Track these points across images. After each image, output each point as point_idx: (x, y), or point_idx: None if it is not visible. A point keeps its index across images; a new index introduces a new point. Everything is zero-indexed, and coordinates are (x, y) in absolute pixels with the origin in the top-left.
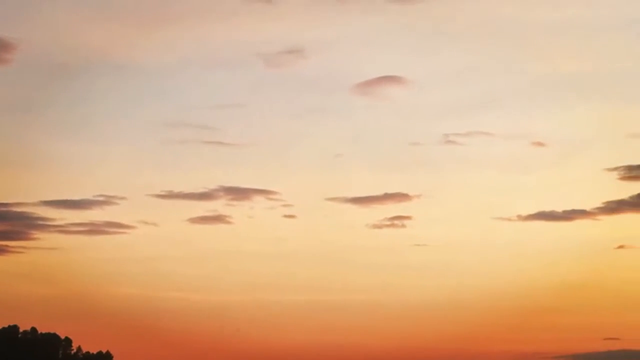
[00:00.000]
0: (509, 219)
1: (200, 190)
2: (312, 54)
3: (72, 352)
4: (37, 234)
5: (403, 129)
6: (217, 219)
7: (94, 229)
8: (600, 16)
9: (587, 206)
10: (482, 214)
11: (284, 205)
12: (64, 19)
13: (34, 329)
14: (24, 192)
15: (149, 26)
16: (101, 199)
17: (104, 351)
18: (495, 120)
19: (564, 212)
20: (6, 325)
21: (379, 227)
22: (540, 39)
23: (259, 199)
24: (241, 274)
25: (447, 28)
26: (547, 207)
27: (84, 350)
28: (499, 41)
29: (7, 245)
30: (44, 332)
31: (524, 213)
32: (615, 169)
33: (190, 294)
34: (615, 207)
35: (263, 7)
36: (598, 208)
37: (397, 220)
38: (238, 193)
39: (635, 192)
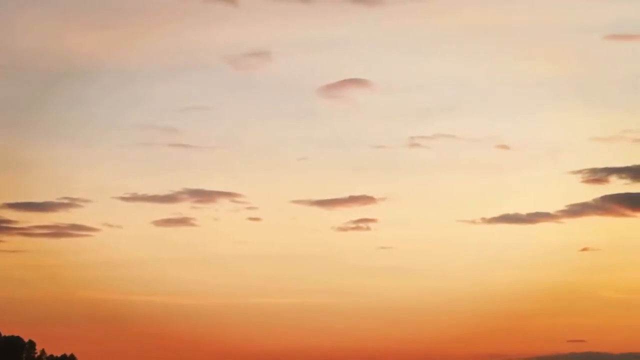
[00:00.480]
0: (474, 222)
1: (165, 192)
2: (279, 57)
3: (36, 355)
4: (0, 236)
5: (369, 132)
6: (182, 221)
7: (58, 231)
8: (566, 23)
9: (551, 209)
10: (447, 217)
11: (249, 208)
12: (28, 25)
13: None
14: None
15: (114, 31)
16: (65, 201)
17: (68, 354)
18: (461, 124)
19: (528, 215)
20: None
21: (344, 229)
22: (505, 45)
23: (223, 202)
24: (207, 276)
25: (414, 33)
26: (511, 210)
27: (48, 353)
28: (464, 46)
29: None
30: (7, 335)
31: (489, 216)
32: (579, 172)
33: (156, 297)
34: (578, 210)
35: (229, 11)
36: (562, 211)
37: (362, 222)
38: (203, 196)
39: (599, 195)
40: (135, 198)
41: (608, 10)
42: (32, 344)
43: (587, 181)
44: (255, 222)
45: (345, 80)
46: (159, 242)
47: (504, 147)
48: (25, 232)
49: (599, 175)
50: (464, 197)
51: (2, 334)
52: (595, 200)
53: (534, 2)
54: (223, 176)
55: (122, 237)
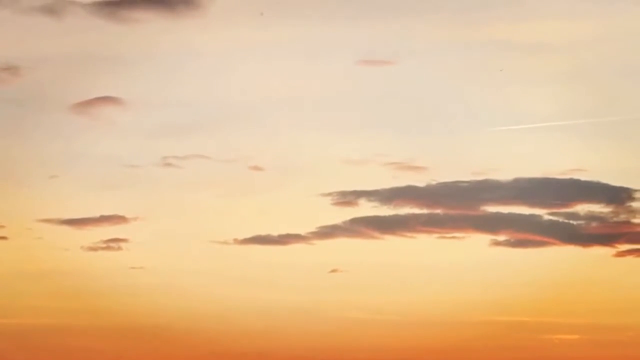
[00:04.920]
0: (226, 242)
1: None
2: (28, 72)
3: None
4: None
5: (120, 151)
6: None
7: None
8: (318, 47)
9: (302, 231)
10: (199, 237)
11: None
12: None
13: None
14: None
15: None
16: None
17: None
18: (214, 144)
19: (280, 236)
20: None
21: (95, 249)
22: (261, 66)
23: None
24: None
25: (168, 51)
26: (263, 231)
27: None
28: (220, 66)
29: None
30: None
31: (240, 237)
32: (329, 194)
33: None
34: (329, 232)
35: None
36: (313, 233)
37: (113, 242)
38: None
39: (348, 218)
40: None
41: (359, 37)
42: None
43: (337, 204)
44: (2, 241)
45: (97, 98)
46: None
47: (257, 168)
48: None
49: (348, 198)
50: (216, 218)
51: None
52: (344, 222)
53: (294, 26)
54: None
55: None
